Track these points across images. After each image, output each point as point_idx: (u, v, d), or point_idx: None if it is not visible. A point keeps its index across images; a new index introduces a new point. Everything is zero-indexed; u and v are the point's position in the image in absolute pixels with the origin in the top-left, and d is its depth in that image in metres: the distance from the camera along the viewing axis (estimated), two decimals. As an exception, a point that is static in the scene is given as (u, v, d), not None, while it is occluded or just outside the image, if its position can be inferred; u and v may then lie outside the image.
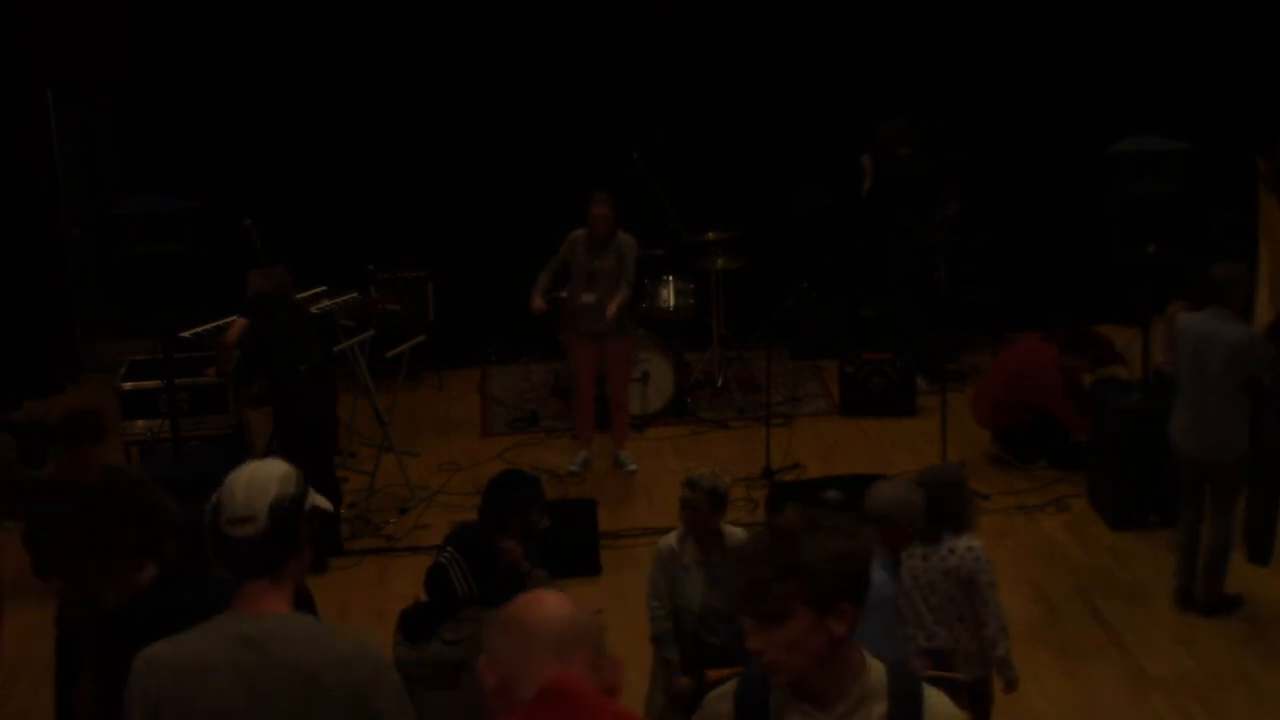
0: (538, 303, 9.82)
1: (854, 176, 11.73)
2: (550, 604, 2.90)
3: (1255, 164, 10.96)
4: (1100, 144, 9.15)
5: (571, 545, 8.11)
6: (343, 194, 11.84)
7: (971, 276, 11.63)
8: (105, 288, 11.85)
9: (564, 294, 10.93)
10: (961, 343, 11.61)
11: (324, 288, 9.89)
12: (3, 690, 7.43)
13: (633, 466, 9.88)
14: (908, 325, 11.21)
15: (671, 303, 11.08)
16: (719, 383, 11.35)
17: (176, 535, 5.69)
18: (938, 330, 10.23)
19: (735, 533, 5.93)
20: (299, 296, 9.63)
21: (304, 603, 5.11)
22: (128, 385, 9.23)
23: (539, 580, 5.48)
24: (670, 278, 11.14)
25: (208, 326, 9.05)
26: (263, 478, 3.22)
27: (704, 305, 11.36)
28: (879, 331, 11.50)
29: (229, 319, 9.12)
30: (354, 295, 10.02)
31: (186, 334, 8.89)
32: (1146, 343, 9.06)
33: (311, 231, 11.80)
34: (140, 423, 9.22)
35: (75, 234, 12.28)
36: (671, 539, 5.88)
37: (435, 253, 11.82)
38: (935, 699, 2.98)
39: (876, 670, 2.97)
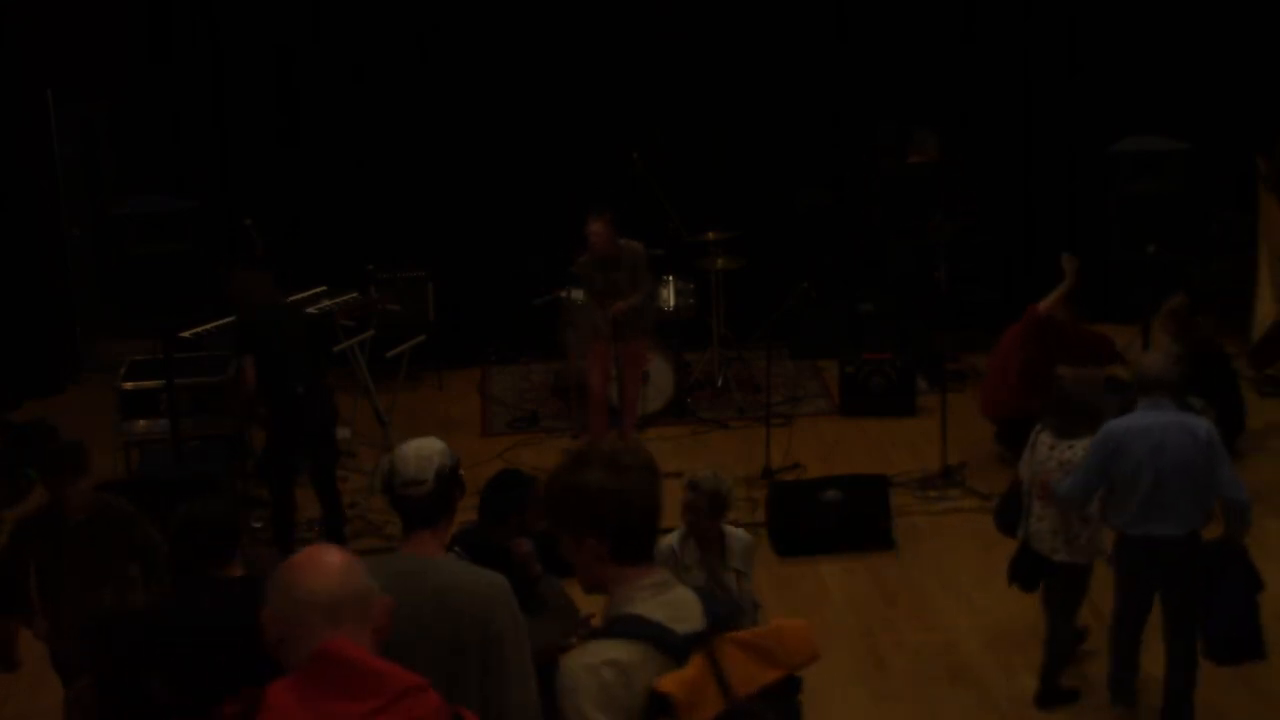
0: (619, 307, 9.53)
1: (854, 177, 11.75)
2: (322, 566, 2.95)
3: (1255, 164, 10.98)
4: (1100, 144, 9.16)
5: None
6: (343, 194, 11.84)
7: (971, 276, 11.63)
8: (105, 288, 11.85)
9: (564, 293, 10.95)
10: (961, 343, 11.61)
11: (324, 288, 9.89)
12: (2, 690, 7.43)
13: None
14: (908, 324, 11.21)
15: (671, 303, 11.09)
16: (719, 383, 11.36)
17: (166, 564, 5.65)
18: (938, 330, 10.22)
19: (736, 534, 5.93)
20: (298, 297, 9.64)
21: None
22: (128, 385, 9.22)
23: (550, 585, 5.45)
24: (670, 278, 11.15)
25: (208, 326, 9.04)
26: (429, 451, 4.11)
27: (704, 305, 11.36)
28: (878, 328, 11.51)
29: (229, 319, 9.13)
30: (354, 295, 10.02)
31: (186, 334, 8.89)
32: (1146, 343, 9.06)
33: (311, 231, 11.80)
34: (140, 423, 9.22)
35: (75, 234, 12.28)
36: (672, 539, 5.87)
37: (435, 253, 11.82)
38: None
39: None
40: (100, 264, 12.08)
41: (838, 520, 8.71)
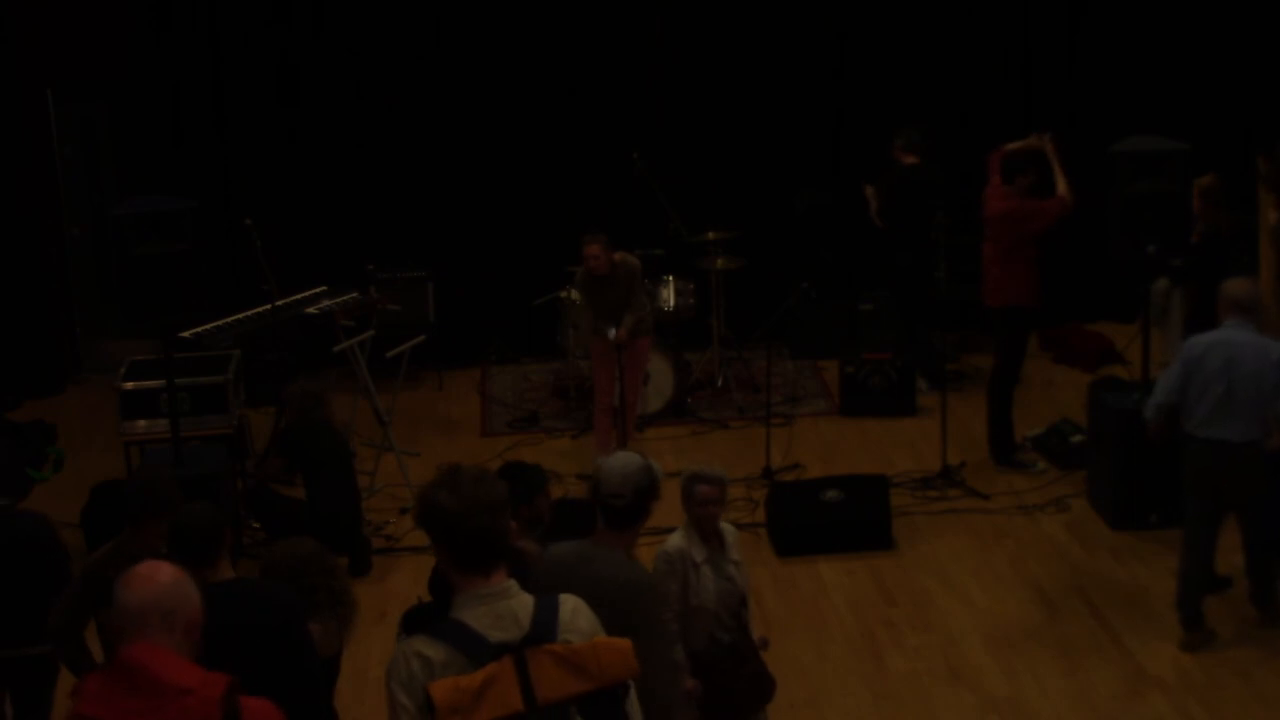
0: (620, 334, 9.54)
1: (853, 177, 11.73)
2: (138, 580, 3.49)
3: (1255, 164, 10.97)
4: (1100, 144, 9.14)
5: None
6: (343, 194, 11.84)
7: (971, 276, 11.62)
8: (105, 288, 11.84)
9: (564, 293, 10.95)
10: (961, 343, 11.61)
11: (324, 288, 9.89)
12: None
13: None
14: (908, 324, 11.21)
15: (671, 303, 11.09)
16: (719, 383, 11.35)
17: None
18: (937, 330, 10.23)
19: (726, 528, 5.91)
20: (298, 297, 9.64)
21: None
22: (128, 385, 9.22)
23: (529, 550, 5.46)
24: (670, 278, 11.15)
25: (208, 326, 9.04)
26: (630, 470, 4.73)
27: (704, 305, 11.36)
28: (878, 328, 11.50)
29: (229, 319, 9.13)
30: (354, 295, 10.01)
31: (186, 334, 8.88)
32: (1146, 343, 9.06)
33: (311, 231, 11.79)
34: (140, 423, 9.21)
35: (75, 234, 12.28)
36: (678, 540, 5.79)
37: (435, 253, 11.82)
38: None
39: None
40: (100, 264, 12.08)
41: (838, 520, 8.71)
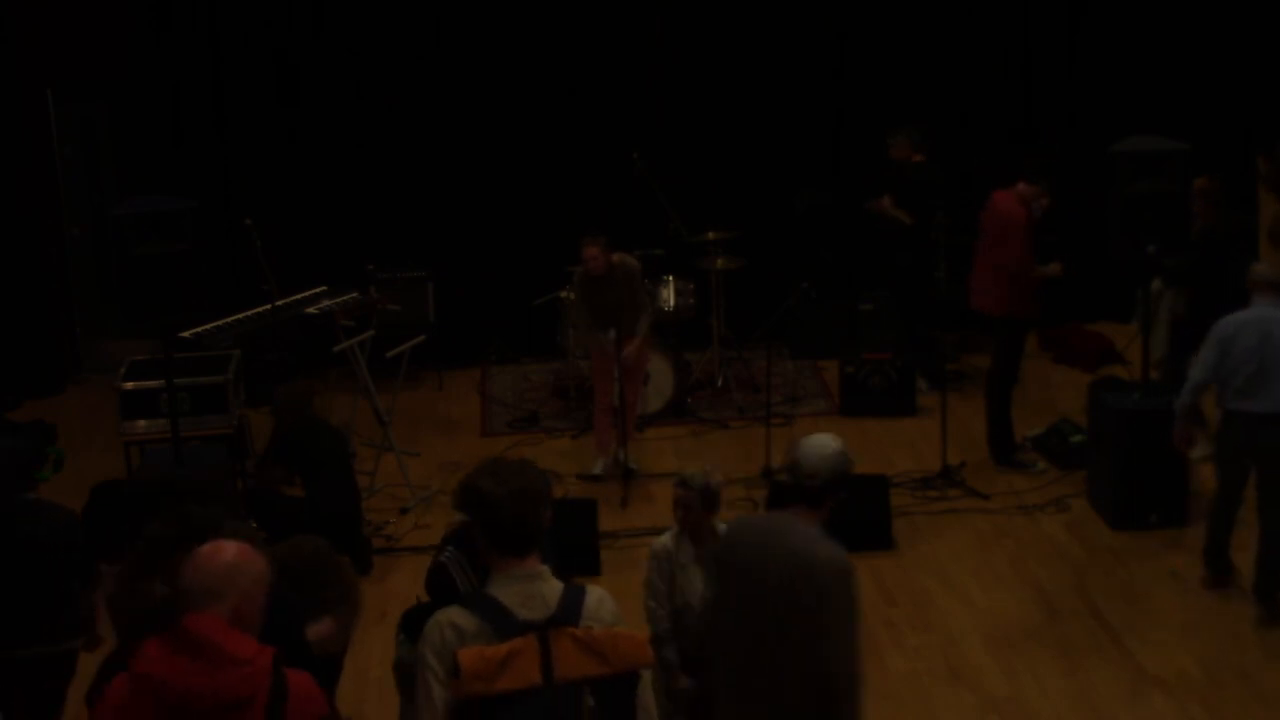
0: (630, 351, 9.57)
1: (853, 177, 11.75)
2: (200, 559, 3.78)
3: (1255, 164, 10.98)
4: (1100, 144, 9.14)
5: (571, 545, 8.11)
6: (343, 194, 11.84)
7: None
8: (105, 288, 11.84)
9: (563, 293, 10.95)
10: (961, 343, 11.61)
11: (324, 288, 9.88)
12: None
13: (633, 466, 9.88)
14: (908, 324, 11.21)
15: (671, 303, 11.09)
16: (719, 383, 11.35)
17: None
18: (938, 330, 10.22)
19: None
20: (298, 297, 9.63)
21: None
22: (128, 385, 9.22)
23: None
24: (670, 278, 11.15)
25: (208, 326, 9.04)
26: (827, 453, 4.89)
27: (704, 305, 11.36)
28: (878, 328, 11.50)
29: (229, 319, 9.12)
30: (354, 295, 10.01)
31: (186, 334, 8.88)
32: (1146, 342, 9.06)
33: (311, 231, 11.79)
34: (140, 423, 9.22)
35: (75, 234, 12.28)
36: (666, 539, 5.89)
37: (435, 253, 11.82)
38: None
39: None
40: (100, 264, 12.08)
41: (838, 520, 8.67)
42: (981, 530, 8.90)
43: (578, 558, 8.24)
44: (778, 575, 4.69)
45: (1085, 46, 12.14)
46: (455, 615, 3.93)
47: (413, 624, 5.48)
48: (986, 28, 12.11)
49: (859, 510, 8.73)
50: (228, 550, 3.81)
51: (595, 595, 4.04)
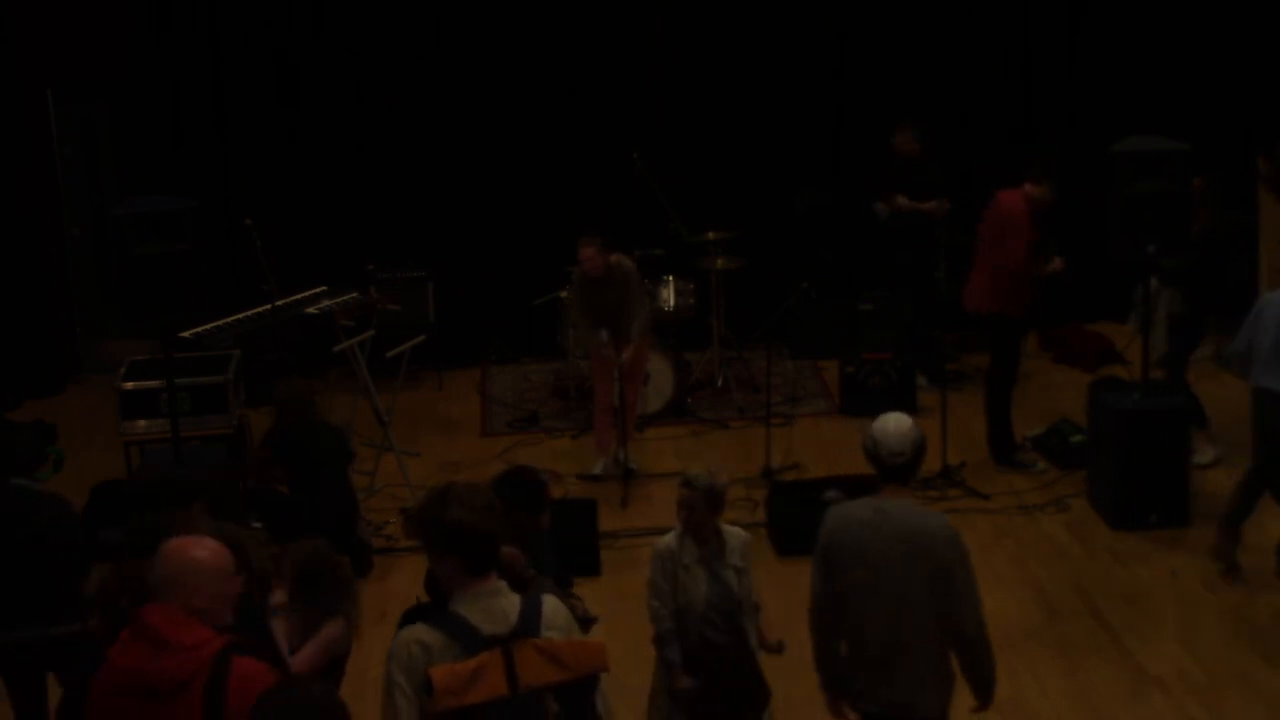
0: (627, 356, 9.57)
1: (854, 177, 11.74)
2: (176, 551, 4.03)
3: (1255, 164, 10.97)
4: (1100, 144, 9.14)
5: (571, 545, 8.11)
6: (343, 194, 11.84)
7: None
8: (105, 288, 11.84)
9: (563, 293, 10.94)
10: (961, 343, 11.61)
11: (324, 288, 9.88)
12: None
13: (633, 466, 9.88)
14: (908, 324, 11.21)
15: (671, 303, 11.09)
16: (719, 383, 11.35)
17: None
18: (938, 330, 10.22)
19: (733, 531, 5.93)
20: (298, 297, 9.62)
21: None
22: (128, 385, 9.22)
23: (541, 587, 5.46)
24: (670, 278, 11.15)
25: (208, 326, 9.04)
26: (906, 429, 5.23)
27: (704, 305, 11.36)
28: (878, 328, 11.50)
29: (229, 319, 9.12)
30: (354, 295, 10.01)
31: (186, 334, 8.88)
32: (1146, 342, 9.06)
33: (311, 231, 11.79)
34: (140, 423, 9.22)
35: (75, 234, 12.28)
36: (670, 539, 5.88)
37: (435, 253, 11.82)
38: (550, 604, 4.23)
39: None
40: (100, 264, 12.08)
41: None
42: (981, 530, 8.89)
43: (578, 558, 8.23)
44: (900, 553, 5.01)
45: (1085, 46, 12.14)
46: (421, 633, 4.07)
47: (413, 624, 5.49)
48: (986, 28, 12.11)
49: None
50: (188, 546, 4.06)
51: (551, 604, 4.24)
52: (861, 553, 5.08)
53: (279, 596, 5.20)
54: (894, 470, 5.18)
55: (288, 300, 9.55)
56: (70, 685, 4.19)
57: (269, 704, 3.70)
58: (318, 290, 9.82)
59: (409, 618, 5.52)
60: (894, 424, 5.22)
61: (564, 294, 10.93)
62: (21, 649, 6.10)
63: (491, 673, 4.01)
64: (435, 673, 3.95)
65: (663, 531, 6.13)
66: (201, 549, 4.07)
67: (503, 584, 4.18)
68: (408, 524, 4.72)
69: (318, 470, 8.44)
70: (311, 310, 9.54)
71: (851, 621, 5.20)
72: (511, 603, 4.15)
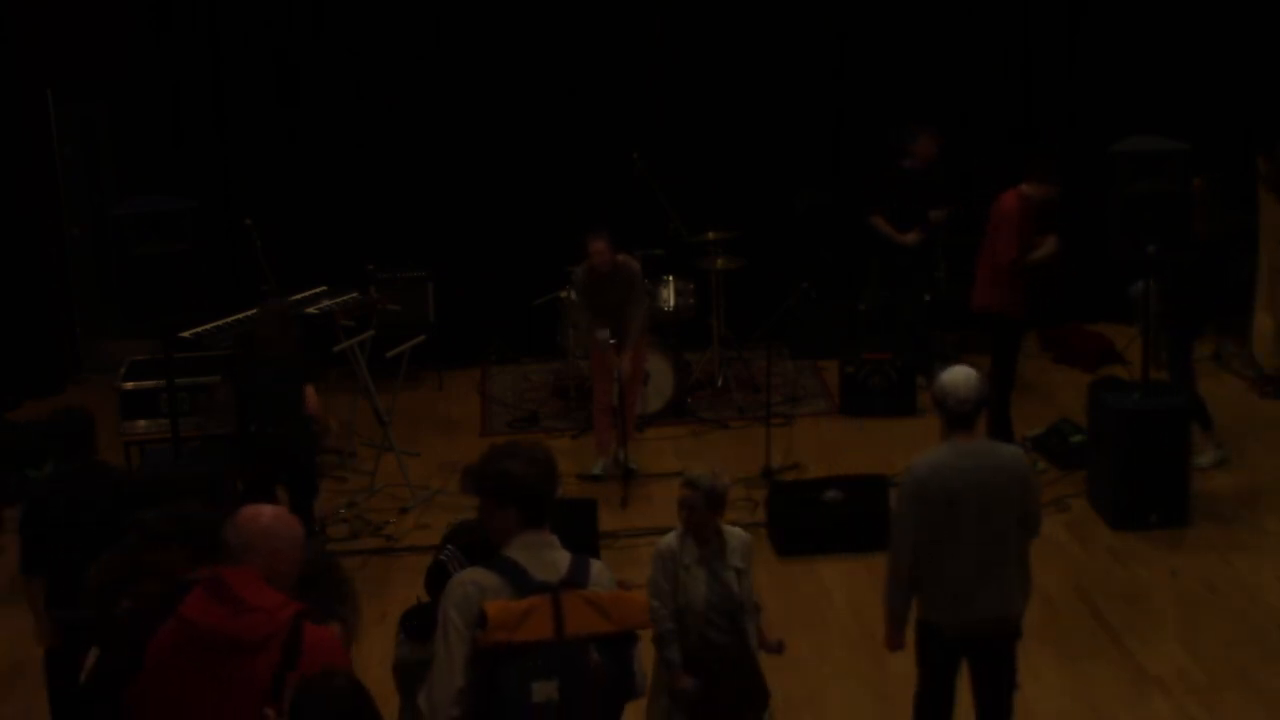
0: (627, 364, 9.60)
1: (853, 176, 11.74)
2: (247, 517, 4.22)
3: (1255, 164, 10.97)
4: (1100, 144, 9.14)
5: (571, 545, 8.07)
6: (343, 194, 11.84)
7: (972, 276, 11.63)
8: (105, 288, 11.85)
9: (563, 293, 10.95)
10: (961, 343, 11.61)
11: (324, 288, 9.89)
12: (2, 689, 7.43)
13: (633, 466, 9.88)
14: (908, 324, 11.21)
15: (671, 303, 11.09)
16: (719, 383, 11.35)
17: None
18: (938, 330, 10.22)
19: (734, 532, 5.93)
20: (298, 297, 9.63)
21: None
22: (128, 385, 9.23)
23: None
24: (670, 278, 11.15)
25: (208, 326, 9.05)
26: (970, 379, 5.71)
27: (704, 305, 11.36)
28: (878, 328, 11.50)
29: (229, 319, 9.12)
30: (354, 295, 10.02)
31: (186, 334, 8.89)
32: (1146, 342, 9.06)
33: (311, 231, 11.79)
34: (141, 423, 9.22)
35: (75, 234, 12.28)
36: (671, 539, 5.88)
37: (435, 253, 11.82)
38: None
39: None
40: (100, 264, 12.08)
41: (838, 520, 8.71)
42: (981, 530, 8.89)
43: (578, 558, 8.22)
44: (996, 484, 5.68)
45: (1085, 46, 12.14)
46: (477, 575, 4.31)
47: (413, 624, 5.49)
48: (986, 28, 12.11)
49: (859, 510, 8.73)
50: (265, 513, 4.25)
51: (598, 566, 4.48)
52: (958, 489, 5.66)
53: None
54: (962, 417, 5.74)
55: (288, 300, 9.56)
56: (108, 664, 4.28)
57: (308, 690, 3.83)
58: (318, 290, 9.83)
59: (409, 617, 5.53)
60: (962, 376, 5.76)
61: (564, 294, 10.93)
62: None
63: (540, 616, 4.21)
64: (490, 606, 4.17)
65: (663, 531, 6.13)
66: (280, 518, 4.26)
67: (554, 538, 4.40)
68: (466, 477, 4.87)
69: (262, 399, 8.24)
70: (311, 310, 9.54)
71: (944, 557, 5.73)
72: (563, 556, 4.38)
